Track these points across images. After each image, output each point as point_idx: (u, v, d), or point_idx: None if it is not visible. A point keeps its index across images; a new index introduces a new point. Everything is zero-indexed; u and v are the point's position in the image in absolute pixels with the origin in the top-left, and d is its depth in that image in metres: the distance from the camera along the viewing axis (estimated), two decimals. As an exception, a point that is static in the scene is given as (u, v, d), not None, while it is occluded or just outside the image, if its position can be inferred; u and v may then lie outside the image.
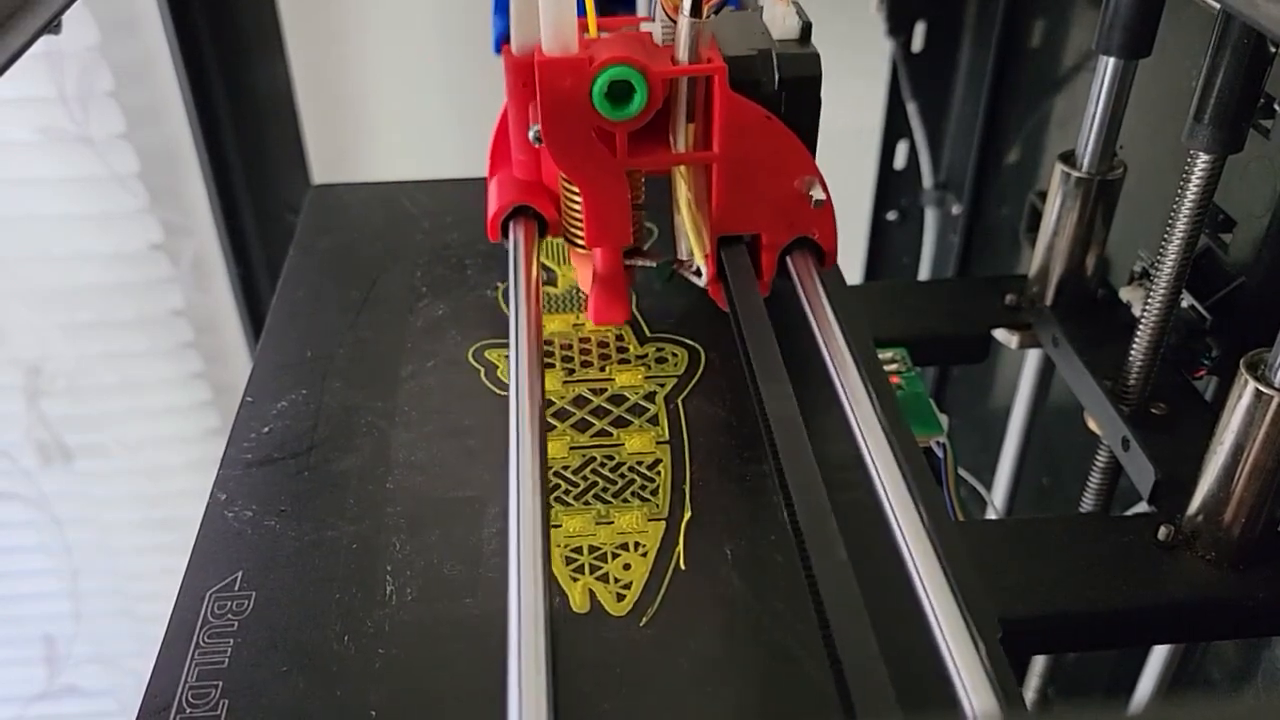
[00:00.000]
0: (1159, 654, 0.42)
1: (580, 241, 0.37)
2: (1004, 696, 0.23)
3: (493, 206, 0.38)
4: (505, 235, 0.38)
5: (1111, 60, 0.38)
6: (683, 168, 0.37)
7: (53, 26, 0.31)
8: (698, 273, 0.38)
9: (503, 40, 0.52)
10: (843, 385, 0.31)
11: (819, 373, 0.32)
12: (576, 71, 0.32)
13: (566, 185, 0.36)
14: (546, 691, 0.23)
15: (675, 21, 0.33)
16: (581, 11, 0.34)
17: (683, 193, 0.38)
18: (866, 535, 0.27)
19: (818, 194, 0.35)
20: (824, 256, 0.37)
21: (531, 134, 0.34)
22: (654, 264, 0.39)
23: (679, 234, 0.40)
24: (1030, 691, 0.51)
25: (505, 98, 0.36)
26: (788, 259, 0.37)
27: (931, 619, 0.24)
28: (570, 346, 0.39)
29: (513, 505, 0.27)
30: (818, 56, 0.34)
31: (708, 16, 0.33)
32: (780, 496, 0.28)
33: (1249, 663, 0.40)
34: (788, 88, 0.34)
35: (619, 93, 0.33)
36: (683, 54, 0.33)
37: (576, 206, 0.36)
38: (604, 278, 0.38)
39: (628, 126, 0.33)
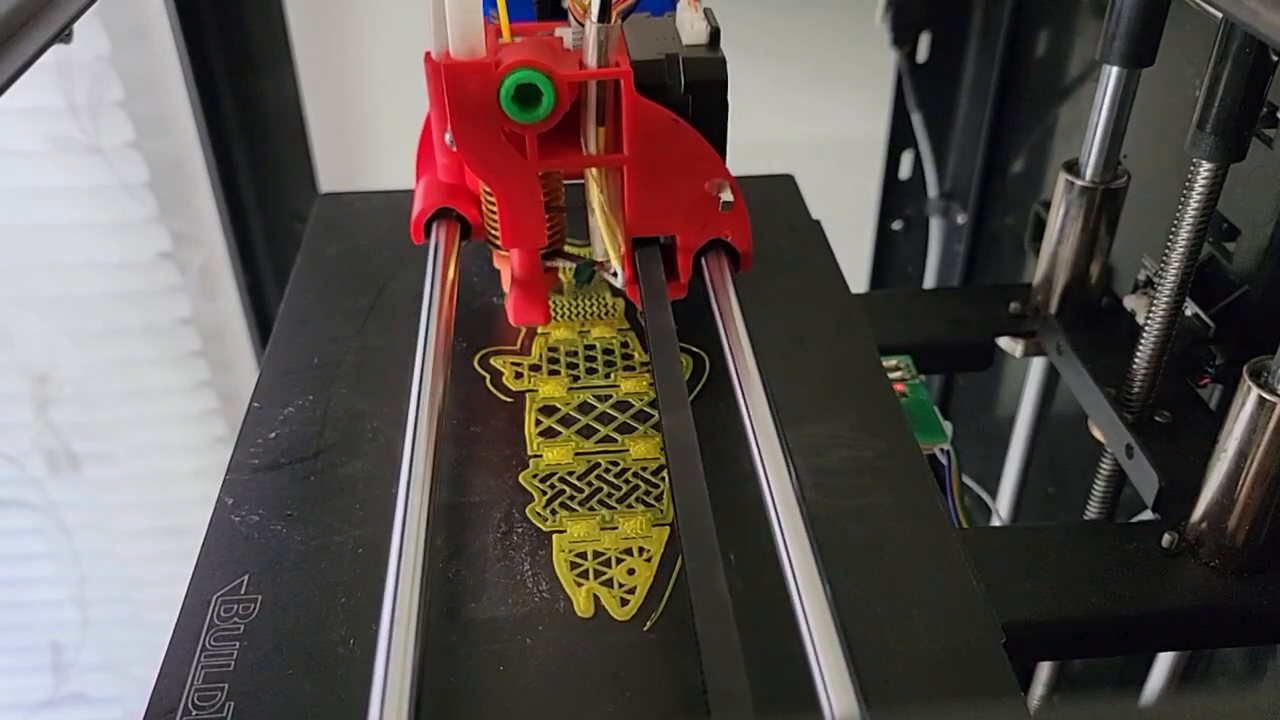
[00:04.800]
0: (1164, 661, 0.42)
1: (499, 243, 0.38)
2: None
3: (416, 208, 0.39)
4: (428, 236, 0.38)
5: (1115, 70, 0.38)
6: (596, 170, 0.38)
7: (63, 36, 0.32)
8: (615, 274, 0.38)
9: None
10: (743, 391, 0.31)
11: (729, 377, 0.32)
12: (482, 75, 0.33)
13: (486, 188, 0.37)
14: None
15: (584, 25, 0.34)
16: (502, 16, 0.34)
17: (595, 195, 0.38)
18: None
19: (726, 196, 0.35)
20: (739, 258, 0.37)
21: (446, 138, 0.35)
22: (573, 265, 0.40)
23: (594, 236, 0.40)
24: (1035, 699, 0.51)
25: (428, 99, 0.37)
26: (702, 260, 0.37)
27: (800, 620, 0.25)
28: (575, 354, 0.40)
29: (399, 513, 0.28)
30: (723, 61, 0.35)
31: (615, 21, 0.33)
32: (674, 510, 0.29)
33: (1254, 670, 0.40)
34: (694, 91, 0.35)
35: (526, 96, 0.33)
36: (590, 58, 0.34)
37: (494, 209, 0.37)
38: (521, 279, 0.39)
39: (536, 129, 0.34)
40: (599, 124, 0.35)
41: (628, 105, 0.34)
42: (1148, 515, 0.37)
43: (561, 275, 0.41)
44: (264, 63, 0.68)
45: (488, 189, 0.37)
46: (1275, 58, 0.32)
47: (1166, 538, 0.34)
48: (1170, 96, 0.42)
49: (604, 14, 0.33)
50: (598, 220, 0.38)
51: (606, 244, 0.38)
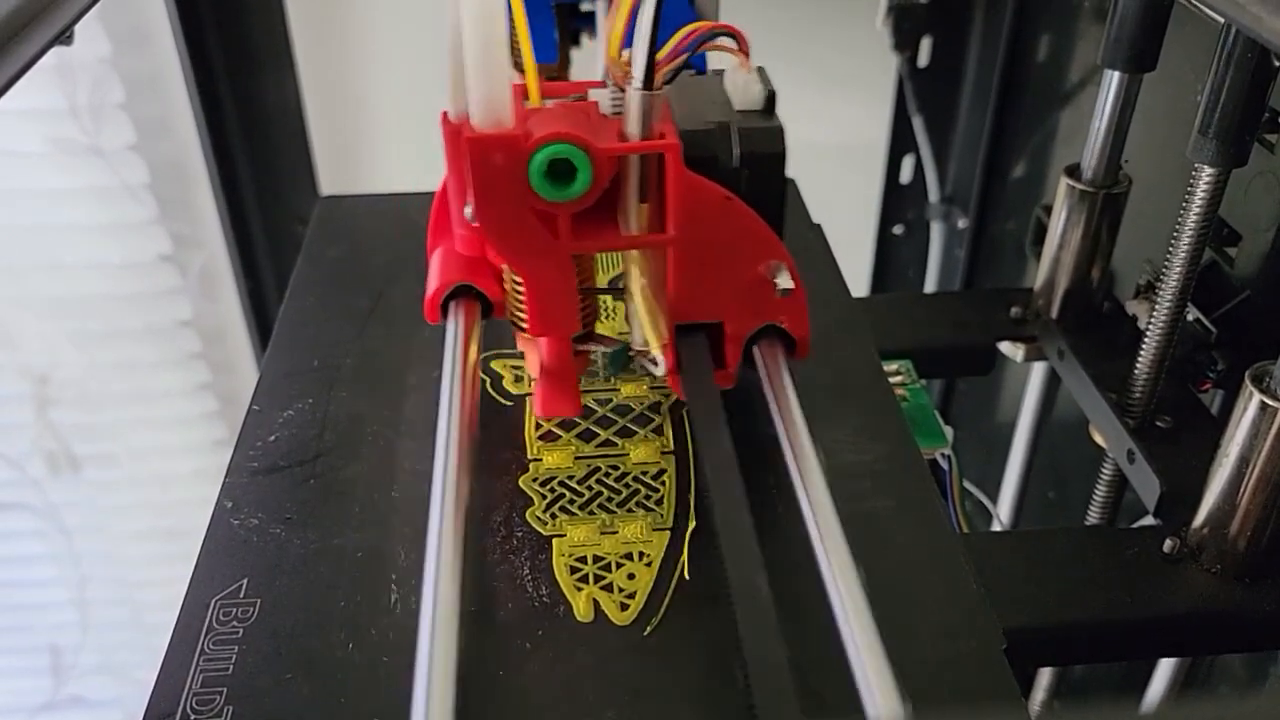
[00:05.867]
0: (1165, 667, 0.41)
1: (525, 327, 0.33)
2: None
3: (431, 285, 0.34)
4: (445, 316, 0.34)
5: (1116, 74, 0.38)
6: (636, 251, 0.34)
7: (64, 38, 0.32)
8: (655, 362, 0.34)
9: None
10: (804, 488, 0.29)
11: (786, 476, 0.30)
12: (510, 148, 0.29)
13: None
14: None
15: (625, 91, 0.30)
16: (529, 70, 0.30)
17: (635, 277, 0.35)
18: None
19: (784, 282, 0.31)
20: (795, 345, 0.33)
21: (467, 212, 0.30)
22: (607, 350, 0.36)
23: (633, 321, 0.36)
24: (1035, 705, 0.50)
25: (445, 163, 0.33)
26: (754, 349, 0.33)
27: (843, 632, 0.25)
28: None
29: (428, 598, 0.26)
30: (781, 130, 0.31)
31: (661, 87, 0.29)
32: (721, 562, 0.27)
33: (1256, 676, 0.40)
34: (749, 164, 0.31)
35: (560, 171, 0.29)
36: (633, 128, 0.30)
37: (520, 290, 0.33)
38: (550, 368, 0.35)
39: (571, 208, 0.30)
40: (641, 200, 0.31)
41: (674, 181, 0.30)
42: (1149, 520, 0.37)
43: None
44: (265, 65, 0.68)
45: (513, 271, 0.33)
46: (1277, 63, 0.32)
47: (1168, 543, 0.34)
48: (1172, 101, 0.42)
49: (648, 80, 0.29)
50: (637, 305, 0.35)
51: (646, 331, 0.34)
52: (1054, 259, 0.43)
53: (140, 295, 0.82)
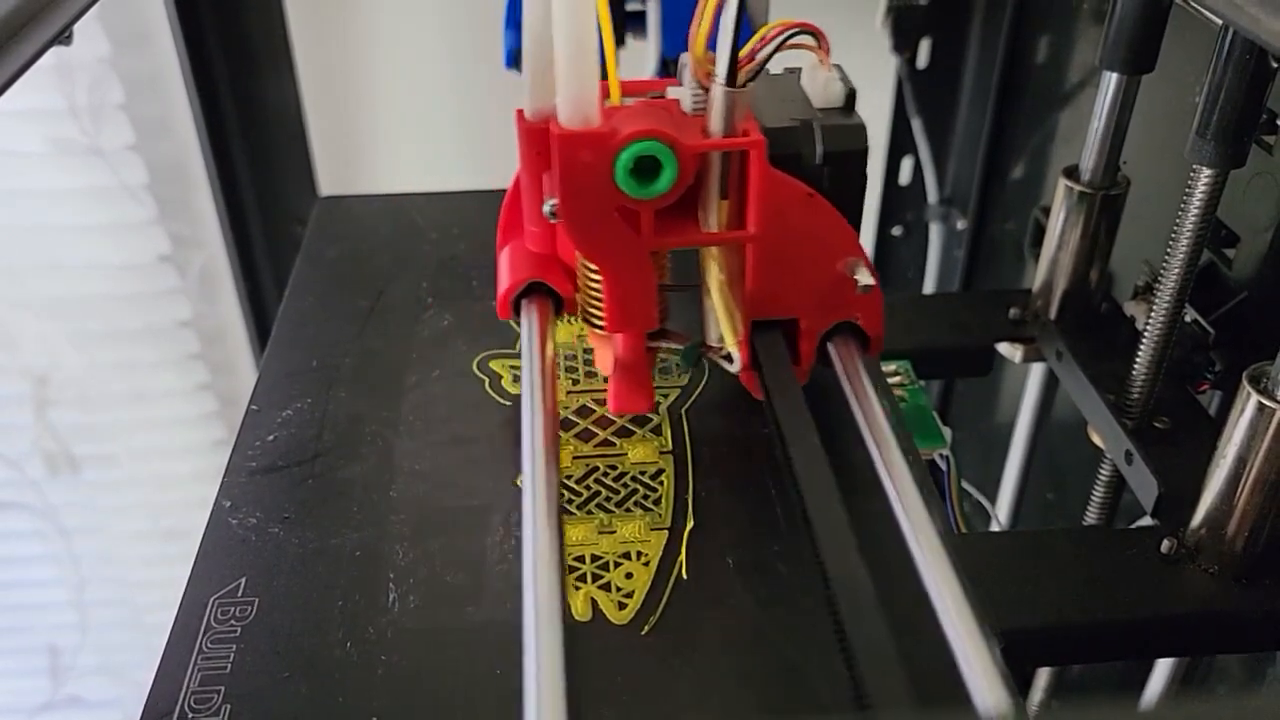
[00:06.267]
0: (1163, 667, 0.41)
1: (600, 324, 0.34)
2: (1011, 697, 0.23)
3: (503, 283, 0.35)
4: (517, 314, 0.35)
5: (1115, 76, 0.38)
6: (714, 247, 0.35)
7: (63, 38, 0.32)
8: (728, 358, 0.35)
9: (514, 55, 0.52)
10: (890, 480, 0.29)
11: (862, 465, 0.30)
12: (598, 146, 0.29)
13: (586, 264, 0.34)
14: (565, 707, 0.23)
15: (707, 89, 0.30)
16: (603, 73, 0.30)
17: (713, 273, 0.35)
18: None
19: (864, 279, 0.32)
20: (869, 342, 0.34)
21: (547, 209, 0.31)
22: (680, 347, 0.36)
23: (708, 317, 0.36)
24: (1033, 705, 0.50)
25: (517, 161, 0.33)
26: (828, 345, 0.34)
27: (944, 621, 0.25)
28: (574, 357, 0.40)
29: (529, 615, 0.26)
30: (863, 127, 0.32)
31: (745, 84, 0.30)
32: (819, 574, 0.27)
33: (1253, 676, 0.40)
34: (832, 162, 0.31)
35: (645, 169, 0.30)
36: (716, 125, 0.30)
37: (595, 287, 0.33)
38: (626, 364, 0.35)
39: (654, 205, 0.30)
40: (721, 197, 0.32)
41: (758, 178, 0.30)
42: (1147, 521, 0.37)
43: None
44: (264, 65, 0.68)
45: (589, 266, 0.33)
46: (1275, 64, 0.32)
47: (1166, 544, 0.34)
48: (1170, 103, 0.42)
49: (732, 77, 0.29)
50: (714, 301, 0.35)
51: (723, 327, 0.35)
52: (1052, 260, 0.43)
53: (139, 296, 0.82)
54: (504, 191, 0.39)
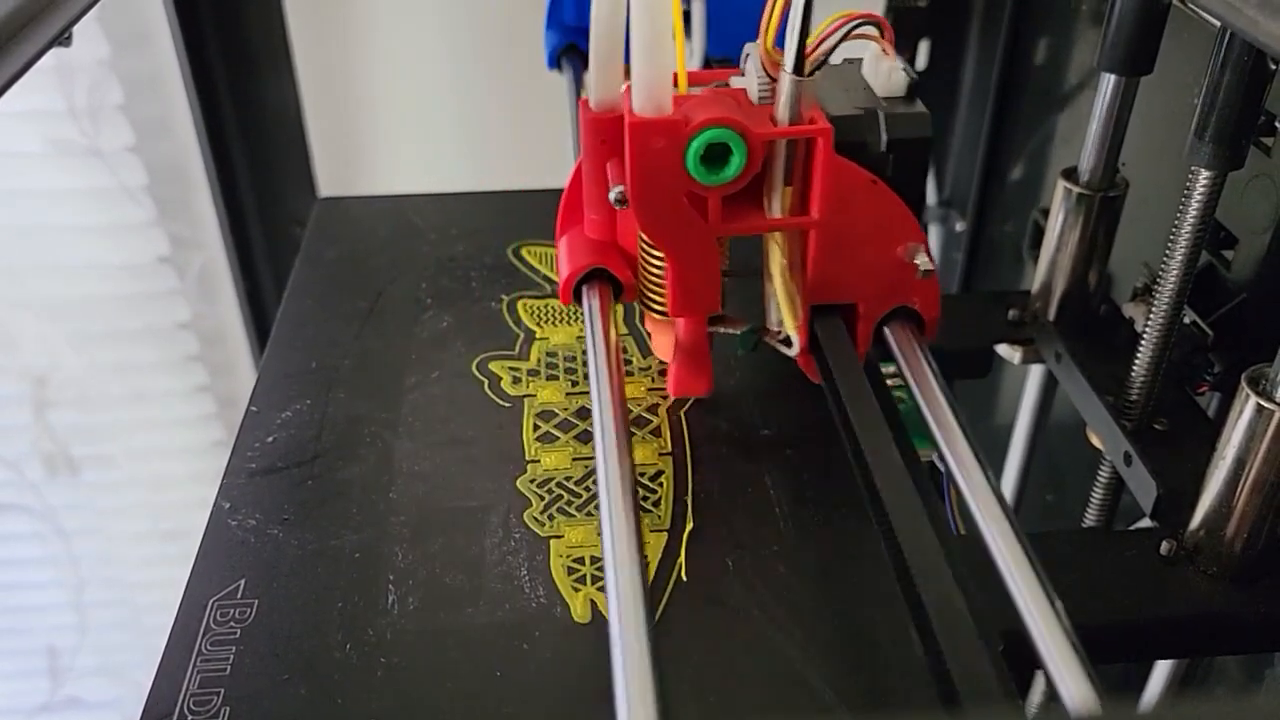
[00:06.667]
0: (1162, 669, 0.42)
1: (660, 308, 0.35)
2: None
3: (565, 269, 0.35)
4: (579, 300, 0.35)
5: (1113, 77, 0.38)
6: (776, 232, 0.35)
7: (63, 39, 0.32)
8: (787, 342, 0.35)
9: (555, 56, 0.52)
10: (952, 457, 0.29)
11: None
12: (671, 133, 0.30)
13: (646, 249, 0.34)
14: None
15: (774, 78, 0.31)
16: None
17: (775, 258, 0.35)
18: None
19: (924, 264, 0.32)
20: (924, 326, 0.35)
21: (613, 195, 0.31)
22: (737, 331, 0.36)
23: (768, 301, 0.37)
24: (1032, 706, 0.50)
25: (580, 153, 0.34)
26: (885, 329, 0.35)
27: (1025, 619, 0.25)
28: (574, 359, 0.40)
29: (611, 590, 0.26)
30: (928, 116, 0.32)
31: (811, 73, 0.30)
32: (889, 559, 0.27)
33: (1252, 678, 0.40)
34: (896, 149, 0.32)
35: (715, 155, 0.30)
36: (783, 113, 0.31)
37: (656, 272, 0.34)
38: (687, 347, 0.35)
39: (722, 191, 0.31)
40: (786, 183, 0.32)
41: (824, 165, 0.31)
42: (1146, 523, 0.37)
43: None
44: (264, 67, 0.68)
45: (650, 251, 0.34)
46: (1273, 66, 0.32)
47: (1164, 545, 0.34)
48: (1169, 104, 0.42)
49: (799, 66, 0.30)
50: (775, 285, 0.35)
51: (783, 311, 0.35)
52: (1051, 262, 0.43)
53: (138, 297, 0.82)
54: (503, 193, 0.39)
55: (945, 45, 0.64)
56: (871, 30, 0.31)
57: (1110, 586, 0.34)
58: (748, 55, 0.32)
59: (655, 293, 0.35)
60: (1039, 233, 0.45)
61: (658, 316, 0.35)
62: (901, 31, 0.64)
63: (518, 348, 0.40)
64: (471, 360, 0.39)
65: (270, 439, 0.36)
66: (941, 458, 0.30)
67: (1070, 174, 0.42)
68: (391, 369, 0.39)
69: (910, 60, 0.65)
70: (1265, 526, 0.32)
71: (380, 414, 0.37)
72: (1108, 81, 0.39)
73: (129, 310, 0.83)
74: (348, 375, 0.39)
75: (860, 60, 0.35)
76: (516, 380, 0.38)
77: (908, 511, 0.28)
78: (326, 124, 0.75)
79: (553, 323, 0.41)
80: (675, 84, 0.31)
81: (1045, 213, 0.44)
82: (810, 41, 0.30)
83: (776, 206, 0.32)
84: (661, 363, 0.39)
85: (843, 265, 0.33)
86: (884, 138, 0.32)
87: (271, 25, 0.68)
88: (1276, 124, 0.36)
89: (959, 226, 0.66)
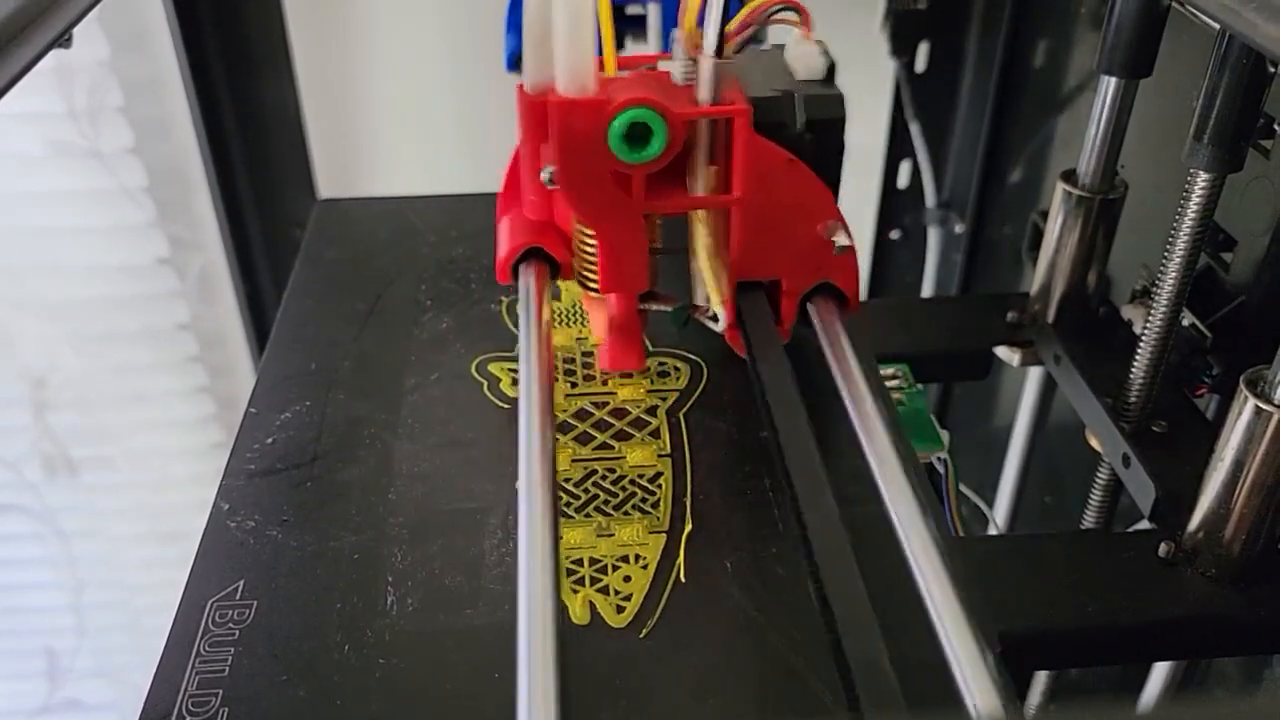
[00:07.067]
0: (1160, 671, 0.42)
1: (594, 286, 0.36)
2: (1008, 701, 0.23)
3: (503, 248, 0.36)
4: (515, 278, 0.36)
5: (1113, 80, 0.38)
6: (701, 211, 0.36)
7: (63, 40, 0.32)
8: (714, 318, 0.37)
9: (515, 58, 0.52)
10: (865, 436, 0.30)
11: (841, 417, 0.31)
12: (594, 113, 0.31)
13: (580, 228, 0.35)
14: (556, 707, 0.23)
15: (696, 60, 0.32)
16: (599, 49, 0.32)
17: (700, 236, 0.37)
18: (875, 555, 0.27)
19: (842, 240, 0.33)
20: (846, 302, 0.36)
21: (545, 175, 0.32)
22: (669, 308, 0.38)
23: (695, 279, 0.38)
24: (1031, 708, 0.50)
25: (518, 133, 0.35)
26: (808, 305, 0.36)
27: (937, 626, 0.25)
28: (573, 360, 0.40)
29: (522, 572, 0.26)
30: (842, 98, 0.33)
31: (731, 55, 0.32)
32: (801, 549, 0.28)
33: (1250, 680, 0.40)
34: (813, 130, 0.33)
35: (637, 135, 0.31)
36: (704, 94, 0.32)
37: (590, 250, 0.35)
38: (619, 324, 0.37)
39: (645, 169, 0.32)
40: (709, 163, 0.34)
41: (742, 144, 0.32)
42: (1144, 525, 0.37)
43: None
44: (263, 68, 0.68)
45: (584, 230, 0.35)
46: (1272, 69, 0.32)
47: (1163, 547, 0.34)
48: (1168, 107, 0.42)
49: (719, 48, 0.31)
50: (700, 263, 0.37)
51: (709, 288, 0.36)
52: (1050, 264, 0.43)
53: (138, 298, 0.82)
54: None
55: (945, 47, 0.64)
56: (791, 15, 0.32)
57: (1109, 588, 0.34)
58: (676, 40, 0.33)
59: (589, 270, 0.36)
60: (1038, 235, 0.45)
61: (592, 295, 0.36)
62: (901, 33, 0.64)
63: (517, 349, 0.40)
64: (471, 361, 0.39)
65: (270, 440, 0.36)
66: (863, 434, 0.30)
67: (1069, 176, 0.42)
68: (391, 370, 0.39)
69: (910, 63, 0.65)
70: (1264, 528, 0.32)
71: (380, 415, 0.37)
72: (1107, 84, 0.39)
73: (128, 311, 0.83)
74: (347, 377, 0.39)
75: (784, 45, 0.36)
76: (516, 382, 0.38)
77: (812, 486, 0.28)
78: (326, 125, 0.75)
79: (552, 324, 0.41)
80: (603, 67, 0.32)
81: (1044, 215, 0.44)
82: (732, 26, 0.31)
83: (700, 185, 0.34)
84: (661, 363, 0.39)
85: (765, 243, 0.34)
86: (801, 118, 0.33)
87: (271, 27, 0.68)
88: (1275, 126, 0.36)
89: (958, 228, 0.67)
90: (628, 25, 0.52)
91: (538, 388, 0.31)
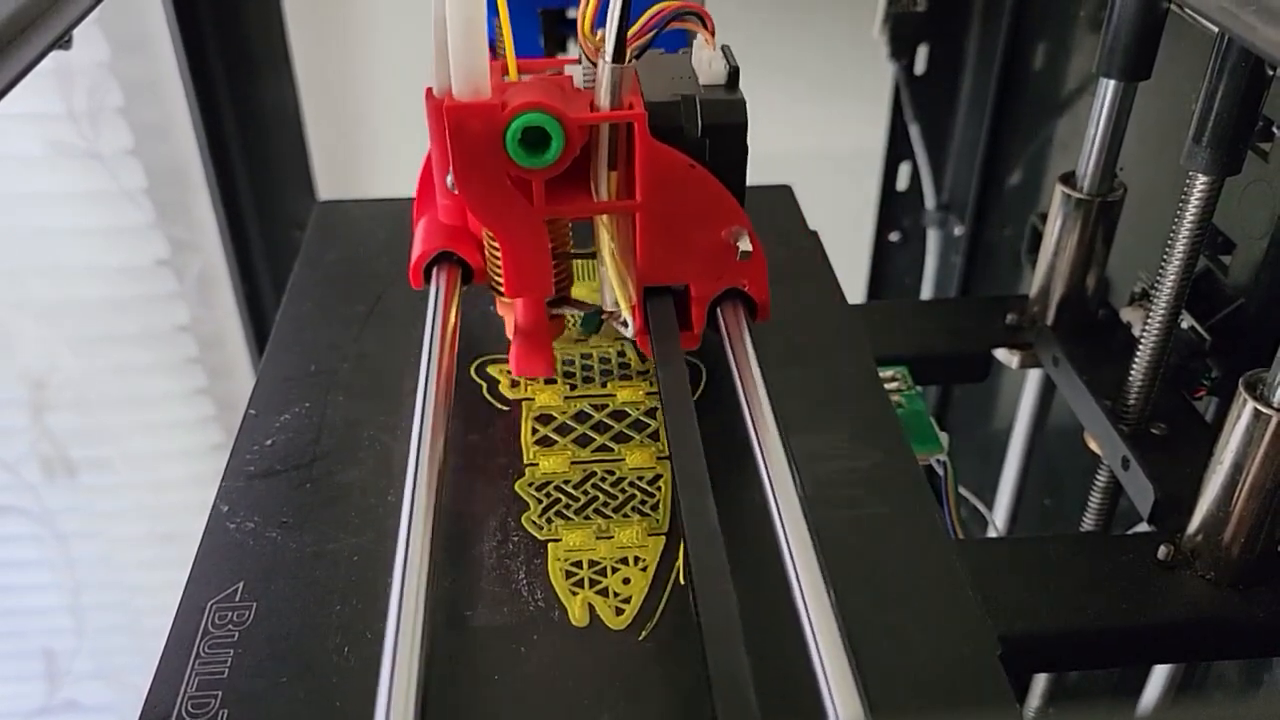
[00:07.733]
0: (1159, 673, 0.42)
1: (502, 290, 0.36)
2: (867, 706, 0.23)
3: (415, 252, 0.37)
4: (428, 281, 0.36)
5: (1112, 83, 0.39)
6: (606, 216, 0.36)
7: (63, 42, 0.32)
8: (625, 324, 0.37)
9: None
10: (761, 449, 0.30)
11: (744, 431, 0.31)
12: (488, 117, 0.31)
13: (489, 233, 0.35)
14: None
15: (596, 65, 0.32)
16: (501, 53, 0.33)
17: (605, 242, 0.36)
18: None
19: (745, 245, 0.33)
20: (755, 308, 0.35)
21: (449, 180, 0.33)
22: (580, 313, 0.38)
23: (604, 284, 0.38)
24: (1030, 711, 0.50)
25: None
26: (718, 310, 0.35)
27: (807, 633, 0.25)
28: (572, 362, 0.40)
29: (400, 554, 0.27)
30: (743, 103, 0.33)
31: (630, 60, 0.31)
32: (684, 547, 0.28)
33: (1250, 682, 0.40)
34: (712, 135, 0.33)
35: (534, 140, 0.31)
36: (603, 99, 0.32)
37: (499, 254, 0.35)
38: (525, 329, 0.37)
39: (544, 174, 0.32)
40: (611, 168, 0.33)
41: (641, 150, 0.32)
42: (1143, 527, 0.37)
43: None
44: (263, 70, 0.68)
45: (491, 235, 0.35)
46: (1271, 72, 0.32)
47: (1162, 550, 0.34)
48: (1167, 110, 0.42)
49: (619, 53, 0.31)
50: (608, 268, 0.37)
51: (617, 293, 0.36)
52: (1049, 266, 0.43)
53: (137, 300, 0.82)
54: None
55: (944, 50, 0.64)
56: (692, 20, 0.32)
57: (1108, 591, 0.34)
58: (578, 44, 0.33)
59: (499, 274, 0.35)
60: (1037, 237, 0.45)
61: (502, 298, 0.36)
62: (901, 35, 0.64)
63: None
64: (469, 364, 0.39)
65: (269, 442, 0.36)
66: (757, 443, 0.30)
67: (1069, 179, 0.42)
68: (390, 372, 0.39)
69: (909, 65, 0.65)
70: (1263, 531, 0.32)
71: (379, 417, 0.37)
72: (1106, 87, 0.39)
73: (128, 313, 0.83)
74: (347, 378, 0.39)
75: (689, 50, 0.36)
76: (515, 384, 0.38)
77: (696, 492, 0.29)
78: (326, 127, 0.75)
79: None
80: (506, 71, 0.32)
81: (1043, 217, 0.44)
82: (632, 31, 0.31)
83: (603, 190, 0.34)
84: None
85: (670, 248, 0.34)
86: (700, 124, 0.33)
87: (271, 28, 0.68)
88: (1274, 129, 0.36)
89: (957, 231, 0.67)
90: (569, 29, 0.52)
91: (433, 401, 0.32)
